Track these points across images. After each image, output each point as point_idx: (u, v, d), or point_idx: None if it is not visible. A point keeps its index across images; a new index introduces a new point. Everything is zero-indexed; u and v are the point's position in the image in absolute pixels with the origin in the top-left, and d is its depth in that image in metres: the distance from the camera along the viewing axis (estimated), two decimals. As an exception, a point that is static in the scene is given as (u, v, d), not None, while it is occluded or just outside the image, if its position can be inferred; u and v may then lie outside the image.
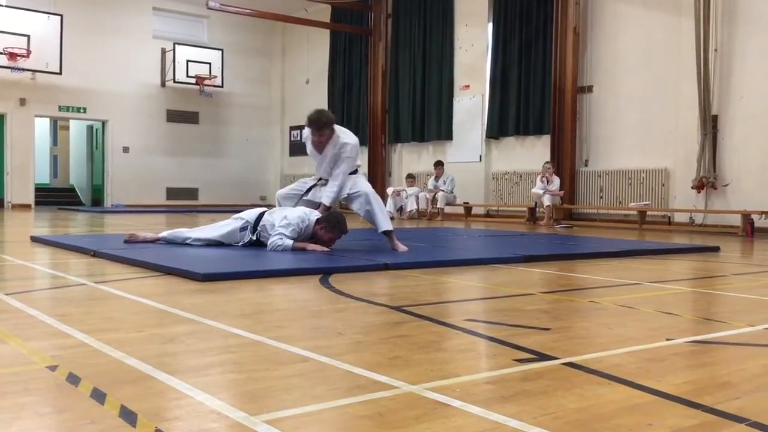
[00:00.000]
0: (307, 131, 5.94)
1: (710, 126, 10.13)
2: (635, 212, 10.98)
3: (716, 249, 6.82)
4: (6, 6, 14.49)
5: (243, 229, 5.62)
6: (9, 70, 14.56)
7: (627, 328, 2.88)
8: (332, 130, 5.85)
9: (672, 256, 6.18)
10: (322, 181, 6.03)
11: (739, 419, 1.71)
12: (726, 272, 5.23)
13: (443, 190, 13.24)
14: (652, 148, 11.13)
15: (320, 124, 5.75)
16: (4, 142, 15.74)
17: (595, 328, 2.89)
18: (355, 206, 5.92)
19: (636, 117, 11.34)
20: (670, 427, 1.65)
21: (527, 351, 2.40)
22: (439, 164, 13.64)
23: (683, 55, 10.47)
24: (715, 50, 10.16)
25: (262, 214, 5.66)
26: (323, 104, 17.39)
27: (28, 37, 14.60)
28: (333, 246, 5.53)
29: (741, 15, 10.00)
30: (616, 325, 2.92)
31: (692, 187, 10.29)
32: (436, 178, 13.52)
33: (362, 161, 15.93)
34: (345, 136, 5.91)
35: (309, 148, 6.05)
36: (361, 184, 5.98)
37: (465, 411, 1.74)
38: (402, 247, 5.79)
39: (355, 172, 6.02)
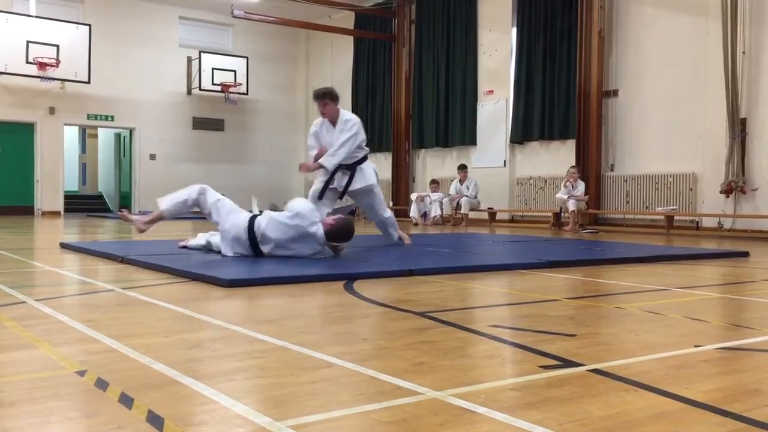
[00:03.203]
0: (313, 128, 6.35)
1: (738, 129, 9.99)
2: (662, 217, 10.85)
3: (745, 254, 6.71)
4: (36, 17, 14.75)
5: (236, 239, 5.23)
6: (39, 79, 14.81)
7: (654, 334, 2.85)
8: (336, 107, 6.25)
9: (700, 262, 6.10)
10: (343, 169, 6.26)
11: (769, 427, 1.68)
12: (755, 278, 5.15)
13: (467, 195, 13.20)
14: (679, 152, 11.00)
15: (318, 93, 6.23)
16: (35, 151, 16.01)
17: (622, 335, 2.86)
18: (362, 201, 6.45)
19: (663, 121, 11.21)
20: (699, 434, 1.63)
21: (553, 357, 2.38)
22: (462, 168, 13.61)
23: (710, 57, 10.35)
24: (743, 52, 10.02)
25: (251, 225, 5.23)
26: (347, 110, 17.41)
27: (58, 47, 14.85)
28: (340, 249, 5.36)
29: (769, 16, 9.87)
30: (643, 332, 2.89)
31: (720, 192, 10.15)
32: (461, 182, 13.49)
33: (386, 167, 16.00)
34: (348, 114, 6.36)
35: (312, 140, 6.35)
36: (370, 176, 6.40)
37: (490, 417, 1.73)
38: (407, 238, 6.36)
39: (365, 158, 6.35)
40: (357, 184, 6.32)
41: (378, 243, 7.14)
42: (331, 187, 6.26)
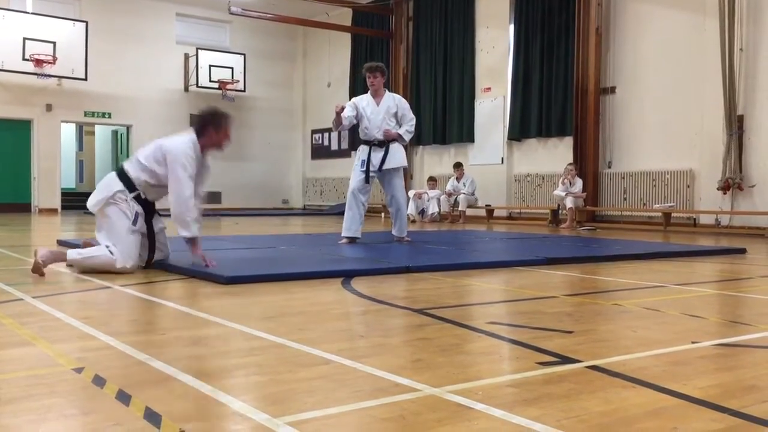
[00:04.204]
0: (354, 99, 6.86)
1: (736, 126, 10.00)
2: (660, 214, 10.86)
3: (742, 251, 6.72)
4: (32, 13, 14.70)
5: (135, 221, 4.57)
6: (36, 76, 14.76)
7: (651, 330, 2.85)
8: (383, 82, 6.79)
9: (697, 259, 6.11)
10: (378, 147, 6.69)
11: (766, 423, 1.69)
12: (752, 274, 5.16)
13: (464, 193, 13.21)
14: (676, 149, 11.00)
15: (372, 66, 6.84)
16: (31, 148, 15.96)
17: (619, 331, 2.86)
18: (390, 181, 6.77)
19: (660, 118, 11.22)
20: (696, 431, 1.63)
21: (550, 354, 2.38)
22: (458, 166, 13.62)
23: (707, 54, 10.35)
24: (741, 49, 10.03)
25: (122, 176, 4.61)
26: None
27: (54, 43, 14.80)
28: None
29: (766, 13, 9.86)
30: (641, 328, 2.89)
31: (718, 189, 10.16)
32: (457, 179, 13.50)
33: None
34: (393, 93, 6.96)
35: (349, 110, 6.69)
36: (403, 156, 6.87)
37: (487, 414, 1.73)
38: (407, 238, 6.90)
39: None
40: (393, 163, 6.75)
41: (376, 240, 7.15)
42: (371, 170, 6.73)
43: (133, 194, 4.58)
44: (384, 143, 6.74)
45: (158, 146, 4.64)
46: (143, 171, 4.59)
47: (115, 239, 4.48)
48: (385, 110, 6.76)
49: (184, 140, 4.66)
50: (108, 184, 4.62)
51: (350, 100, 7.06)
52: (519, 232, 9.69)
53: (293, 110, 19.67)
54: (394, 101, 6.85)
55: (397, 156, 6.76)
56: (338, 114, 6.58)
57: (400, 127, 6.81)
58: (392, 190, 6.82)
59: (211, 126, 4.72)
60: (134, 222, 4.54)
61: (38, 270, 4.28)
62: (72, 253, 4.54)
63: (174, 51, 17.57)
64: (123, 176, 4.62)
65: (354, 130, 7.32)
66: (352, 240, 6.70)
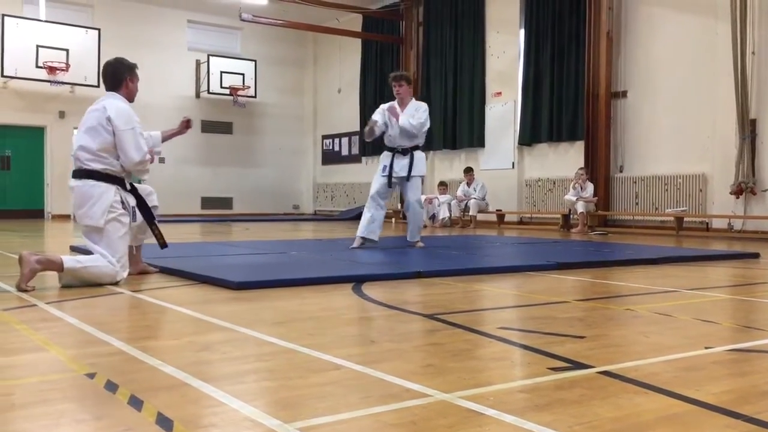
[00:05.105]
0: (377, 116, 6.79)
1: (748, 130, 9.94)
2: (672, 218, 10.80)
3: (756, 255, 6.67)
4: (46, 21, 14.83)
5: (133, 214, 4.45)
6: (49, 83, 14.89)
7: (664, 336, 2.84)
8: (410, 90, 6.94)
9: (710, 263, 6.07)
10: (401, 155, 6.81)
11: (780, 429, 1.67)
12: (766, 279, 5.11)
13: (475, 197, 13.19)
14: (688, 153, 10.95)
15: (396, 75, 6.97)
16: (45, 155, 16.09)
17: (632, 337, 2.85)
18: (410, 188, 6.84)
19: (672, 122, 11.17)
20: (709, 437, 1.62)
21: (562, 359, 2.37)
22: (469, 171, 13.61)
23: (719, 58, 10.30)
24: (753, 53, 9.97)
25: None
26: (355, 113, 17.47)
27: (67, 51, 14.93)
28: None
29: (779, 17, 9.81)
30: (653, 334, 2.87)
31: (730, 193, 10.10)
32: (468, 184, 13.49)
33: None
34: (418, 102, 7.06)
35: (378, 115, 6.80)
36: (424, 165, 6.99)
37: (499, 420, 1.73)
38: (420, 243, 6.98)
39: (418, 146, 6.94)
40: (415, 171, 6.87)
41: (387, 245, 7.15)
42: (393, 176, 6.81)
43: (123, 189, 4.38)
44: (407, 150, 6.84)
45: (97, 131, 4.40)
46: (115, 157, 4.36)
47: (113, 250, 4.23)
48: (415, 111, 6.86)
49: (119, 105, 4.44)
50: (101, 193, 4.32)
51: (378, 107, 7.07)
52: (530, 237, 9.66)
53: (304, 116, 19.73)
54: (414, 107, 6.91)
55: (419, 165, 6.89)
56: (371, 128, 6.65)
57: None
58: (412, 196, 6.91)
59: (127, 77, 4.51)
60: (133, 218, 4.38)
61: (23, 290, 3.91)
62: (69, 261, 4.10)
63: (185, 58, 17.68)
64: (103, 176, 4.35)
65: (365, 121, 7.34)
66: (364, 242, 6.72)
